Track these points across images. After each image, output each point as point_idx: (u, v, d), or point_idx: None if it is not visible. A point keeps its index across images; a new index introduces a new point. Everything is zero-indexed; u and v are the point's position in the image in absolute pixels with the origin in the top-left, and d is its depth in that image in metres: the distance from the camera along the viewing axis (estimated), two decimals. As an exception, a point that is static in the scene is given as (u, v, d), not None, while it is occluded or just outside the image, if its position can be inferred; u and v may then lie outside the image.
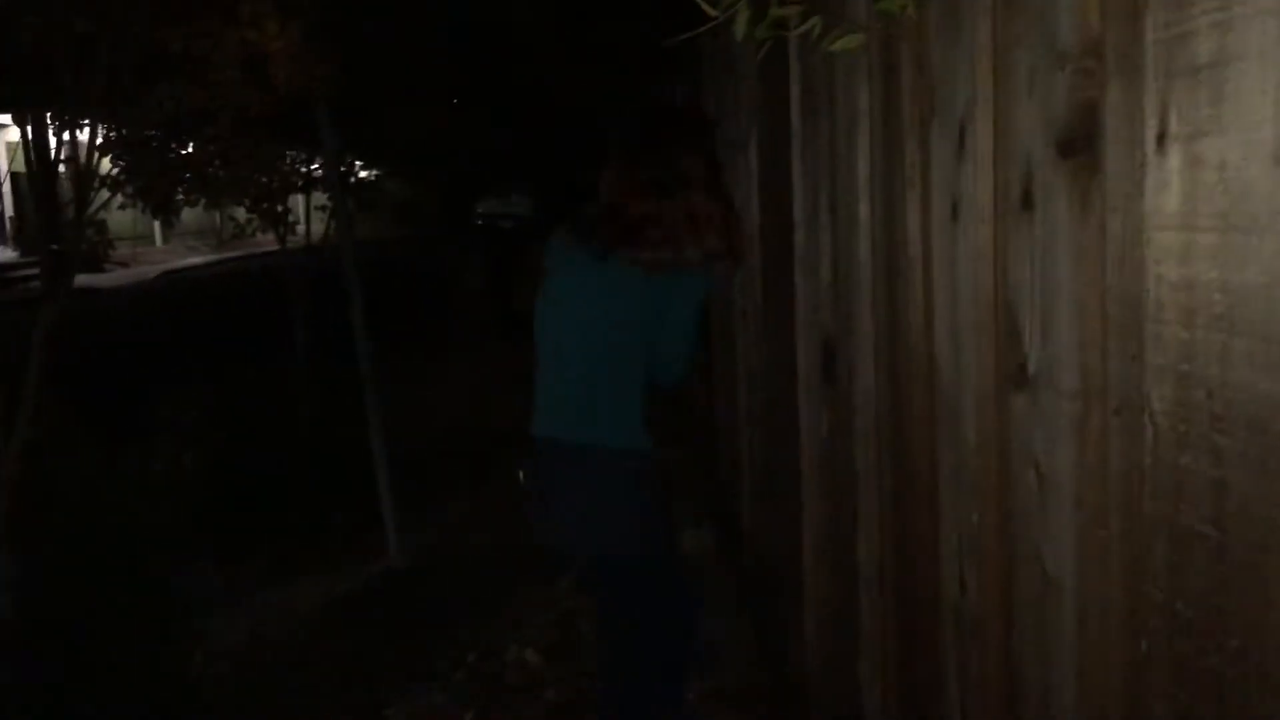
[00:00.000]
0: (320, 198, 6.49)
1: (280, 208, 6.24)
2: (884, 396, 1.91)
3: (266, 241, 7.11)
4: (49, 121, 7.75)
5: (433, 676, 3.52)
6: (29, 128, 13.19)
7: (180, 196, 5.67)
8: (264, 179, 5.70)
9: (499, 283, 12.63)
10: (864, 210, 1.96)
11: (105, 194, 4.95)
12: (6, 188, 18.33)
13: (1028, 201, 1.22)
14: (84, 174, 4.21)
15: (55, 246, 5.43)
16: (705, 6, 1.54)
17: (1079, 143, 1.10)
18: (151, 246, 21.46)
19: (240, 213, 6.55)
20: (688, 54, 4.76)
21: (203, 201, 5.86)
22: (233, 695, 3.51)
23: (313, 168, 6.58)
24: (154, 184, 5.31)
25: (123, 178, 5.33)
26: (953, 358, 1.53)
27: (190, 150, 5.37)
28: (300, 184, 6.68)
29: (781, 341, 2.80)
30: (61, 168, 8.88)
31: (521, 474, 2.35)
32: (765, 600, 3.22)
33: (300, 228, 6.88)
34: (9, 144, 18.94)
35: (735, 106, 3.45)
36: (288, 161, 6.21)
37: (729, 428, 3.83)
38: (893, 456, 1.88)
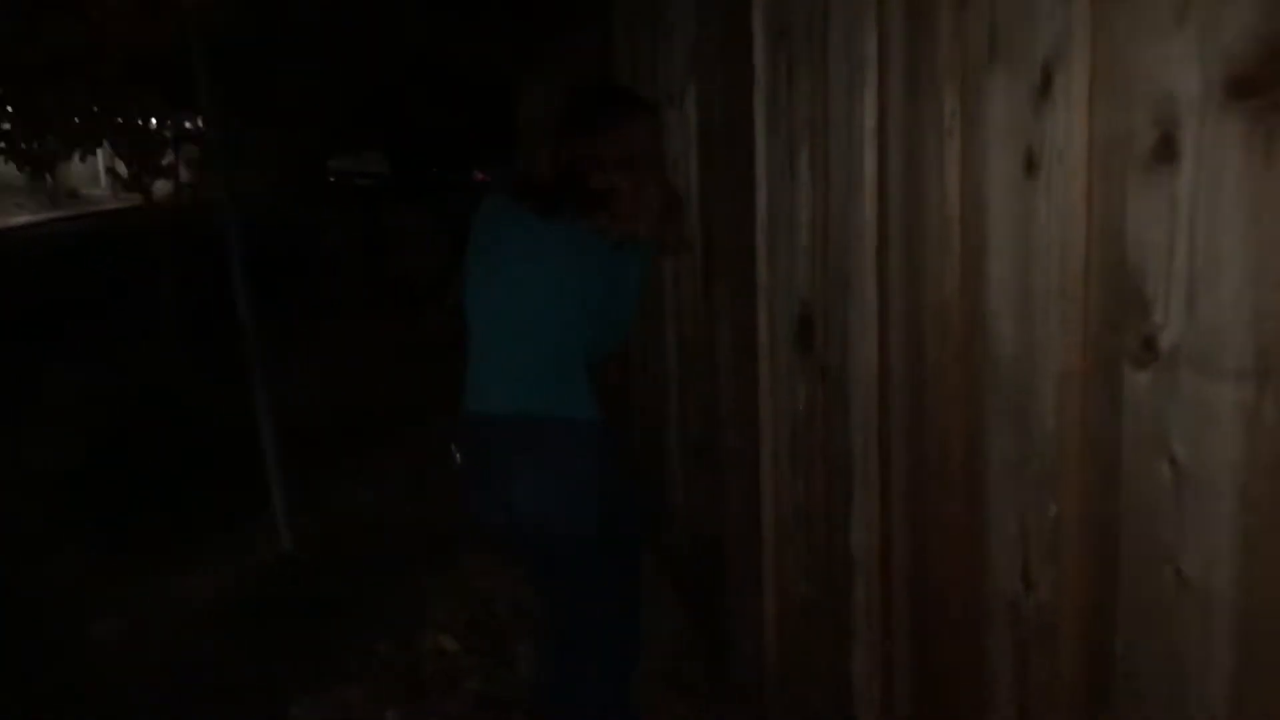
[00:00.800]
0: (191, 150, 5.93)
1: (164, 161, 5.67)
2: (896, 371, 1.73)
3: (101, 200, 6.49)
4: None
5: (342, 670, 3.22)
6: None
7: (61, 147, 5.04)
8: (151, 128, 5.14)
9: (366, 246, 12.05)
10: (869, 165, 1.77)
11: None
12: None
13: (1167, 152, 1.04)
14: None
15: None
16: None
17: (1262, 80, 0.92)
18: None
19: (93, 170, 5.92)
20: (592, 4, 4.48)
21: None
22: (116, 699, 3.13)
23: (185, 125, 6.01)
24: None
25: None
26: (1017, 331, 1.35)
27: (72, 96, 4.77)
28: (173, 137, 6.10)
29: (733, 308, 2.60)
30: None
31: (456, 453, 2.20)
32: (703, 584, 3.04)
33: (160, 184, 6.30)
34: None
35: (664, 58, 3.21)
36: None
37: (652, 398, 3.62)
38: (906, 436, 1.71)
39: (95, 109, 4.76)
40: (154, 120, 5.36)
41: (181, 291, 5.74)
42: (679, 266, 3.14)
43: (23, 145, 5.06)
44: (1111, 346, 1.15)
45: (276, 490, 4.19)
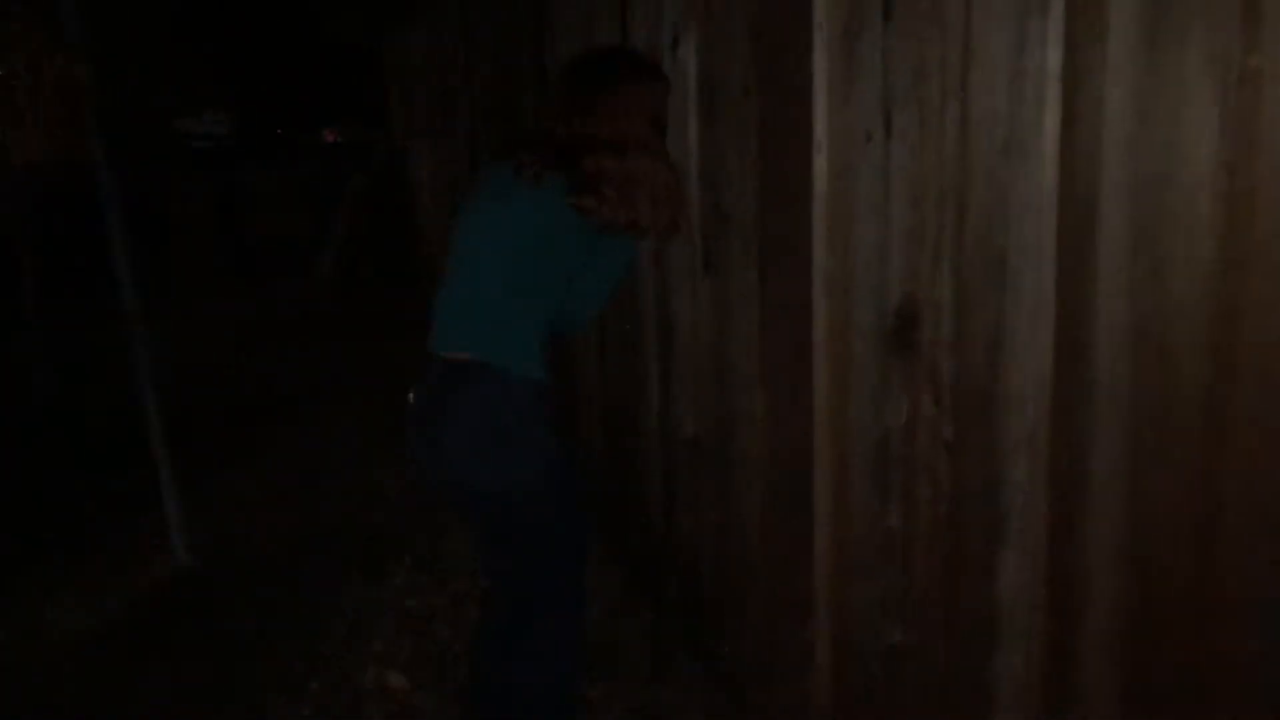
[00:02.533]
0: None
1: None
2: (1093, 385, 1.30)
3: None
4: None
5: (266, 714, 2.62)
6: None
7: None
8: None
9: (219, 211, 10.97)
10: (1049, 119, 1.33)
11: None
12: None
13: None
14: None
15: None
16: None
17: None
18: None
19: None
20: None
21: None
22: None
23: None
24: None
25: None
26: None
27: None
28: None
29: (764, 294, 2.13)
30: None
31: (412, 395, 2.08)
32: (697, 608, 2.59)
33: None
34: None
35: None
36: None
37: (625, 387, 3.11)
38: (1119, 474, 1.29)
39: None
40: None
41: (39, 264, 4.84)
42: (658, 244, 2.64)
43: None
44: None
45: (167, 491, 3.49)
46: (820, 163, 1.87)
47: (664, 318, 2.66)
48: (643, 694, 2.61)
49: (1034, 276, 1.39)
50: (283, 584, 3.36)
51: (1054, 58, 1.32)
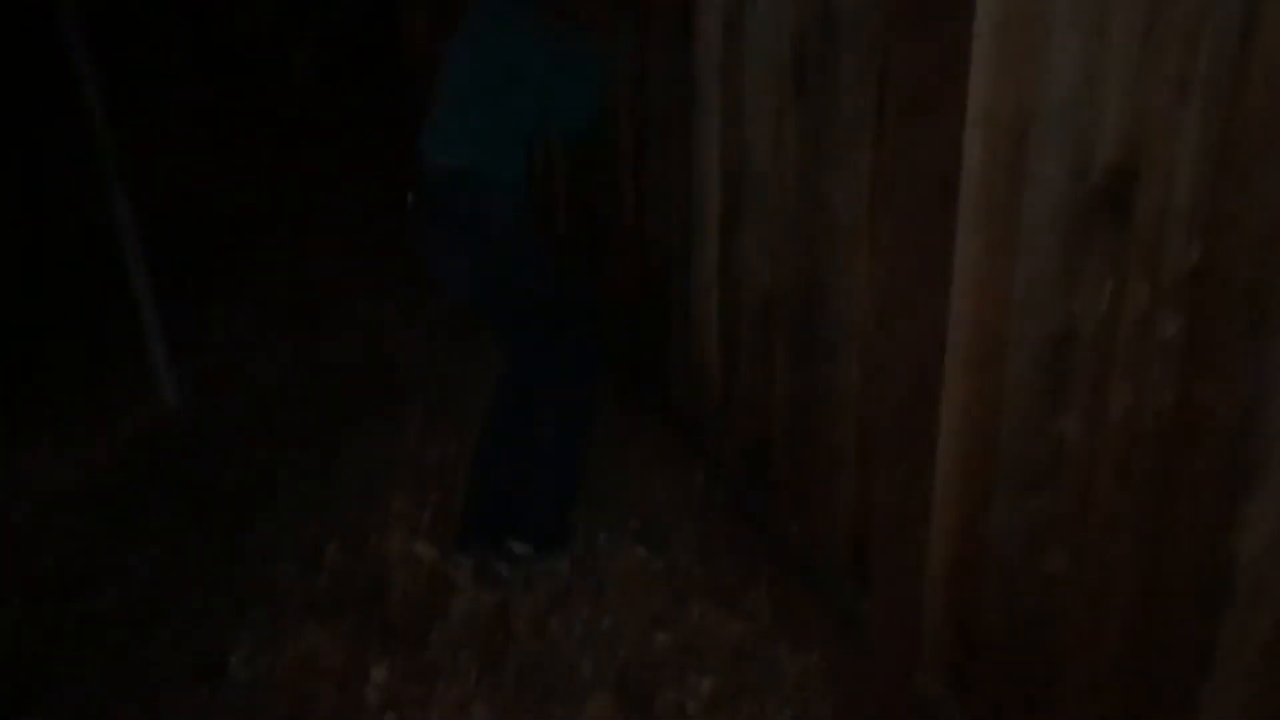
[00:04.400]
0: None
1: None
2: None
3: None
4: None
5: (280, 590, 2.31)
6: None
7: None
8: None
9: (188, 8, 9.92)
10: None
11: None
12: None
13: None
14: None
15: None
16: None
17: None
18: None
19: None
20: None
21: None
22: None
23: None
24: None
25: None
26: None
27: None
28: None
29: (886, 125, 1.67)
30: None
31: (409, 197, 2.23)
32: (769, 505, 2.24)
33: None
34: None
35: None
36: None
37: (656, 231, 2.67)
38: None
39: None
40: None
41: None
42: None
43: None
44: None
45: (150, 324, 3.06)
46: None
47: (732, 146, 2.19)
48: (694, 570, 2.31)
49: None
50: (284, 431, 3.00)
51: None
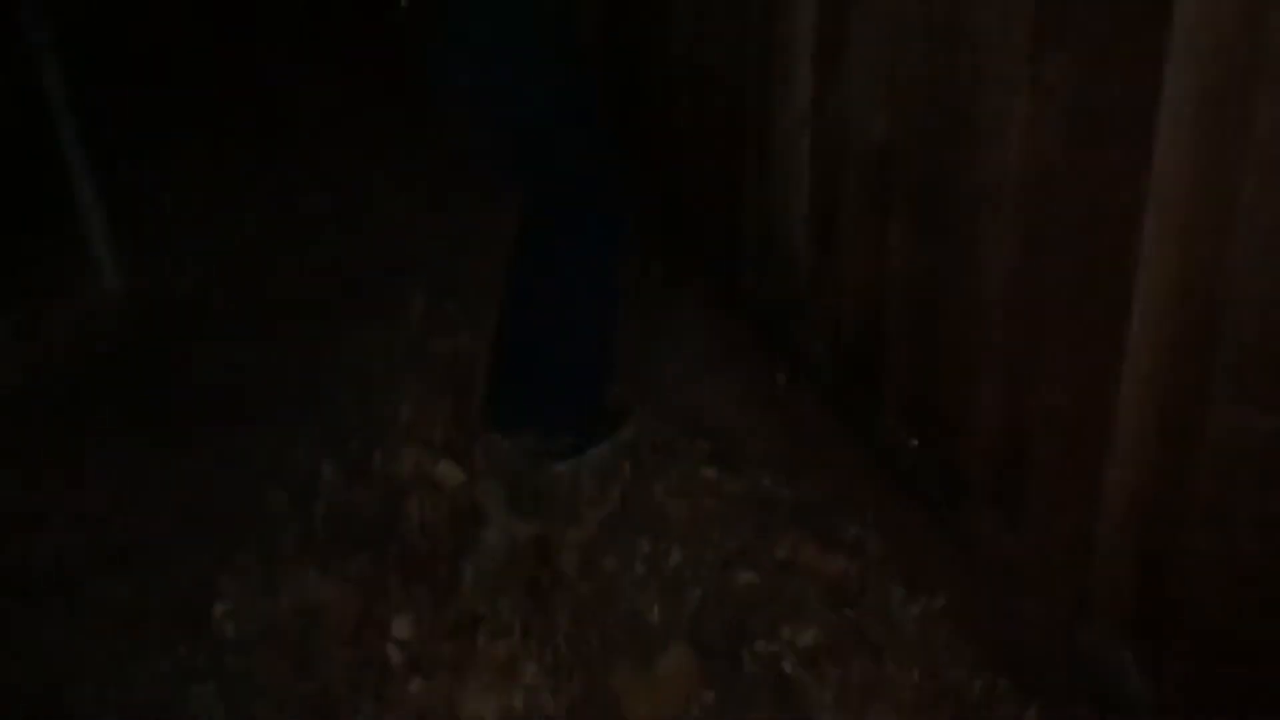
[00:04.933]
0: None
1: None
2: None
3: None
4: None
5: (267, 521, 2.20)
6: None
7: None
8: None
9: None
10: None
11: None
12: None
13: None
14: None
15: None
16: None
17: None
18: None
19: None
20: None
21: None
22: None
23: None
24: None
25: None
26: None
27: None
28: None
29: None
30: None
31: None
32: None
33: None
34: None
35: None
36: None
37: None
38: None
39: None
40: None
41: None
42: None
43: None
44: None
45: (86, 195, 2.89)
46: None
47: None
48: (779, 493, 2.19)
49: None
50: (254, 318, 2.84)
51: None
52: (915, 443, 2.00)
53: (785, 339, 2.39)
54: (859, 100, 1.97)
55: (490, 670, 1.87)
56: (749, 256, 2.51)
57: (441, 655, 1.90)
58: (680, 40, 2.63)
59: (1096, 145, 1.45)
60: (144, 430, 2.48)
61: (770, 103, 2.27)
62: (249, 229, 3.31)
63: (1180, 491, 1.44)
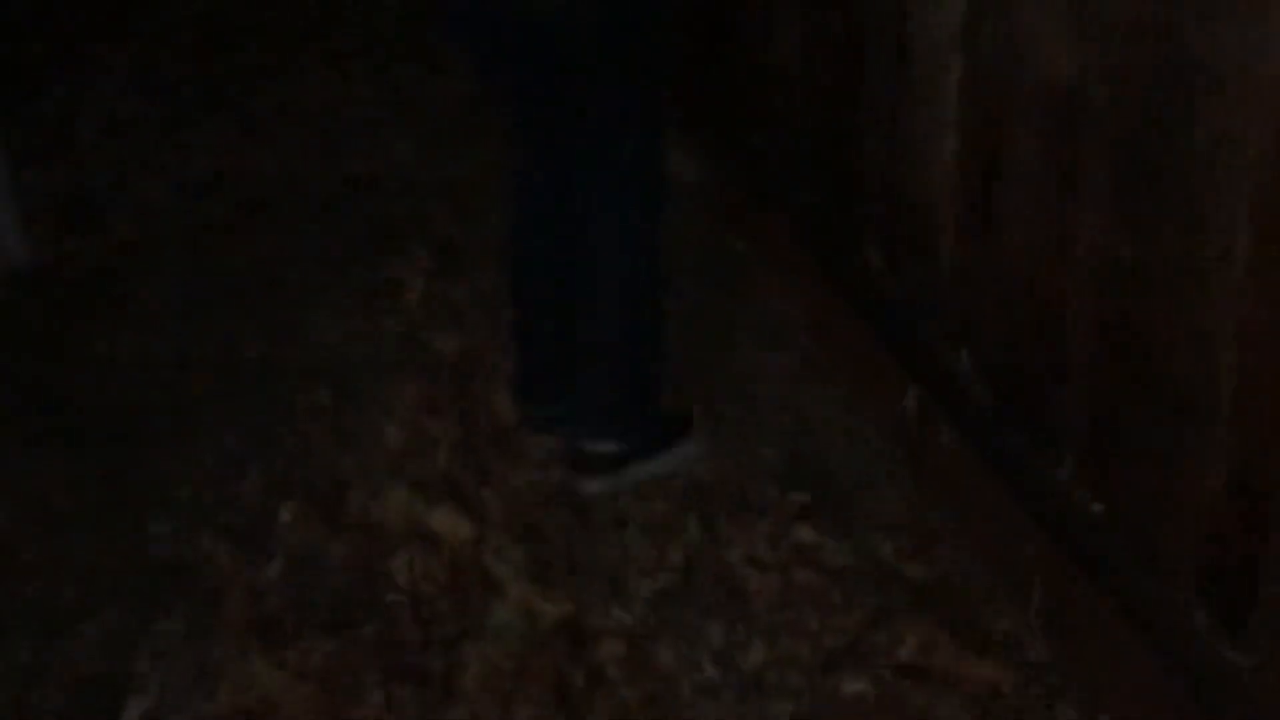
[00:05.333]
0: None
1: None
2: None
3: None
4: None
5: (195, 587, 2.09)
6: None
7: None
8: None
9: None
10: None
11: None
12: None
13: None
14: None
15: None
16: None
17: None
18: None
19: None
20: None
21: None
22: None
23: None
24: None
25: None
26: None
27: None
28: None
29: None
30: None
31: None
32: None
33: None
34: None
35: None
36: None
37: None
38: None
39: None
40: None
41: None
42: None
43: None
44: None
45: None
46: None
47: None
48: (904, 568, 2.06)
49: None
50: (197, 305, 2.76)
51: None
52: (1100, 508, 1.86)
53: (918, 345, 2.27)
54: (1032, 23, 1.83)
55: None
56: (870, 230, 2.39)
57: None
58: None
59: None
60: (38, 443, 2.41)
61: (905, 21, 2.13)
62: (191, 180, 3.20)
63: None
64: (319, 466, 2.34)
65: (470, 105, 3.22)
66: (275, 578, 2.14)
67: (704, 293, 2.59)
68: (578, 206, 2.24)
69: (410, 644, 2.02)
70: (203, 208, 3.12)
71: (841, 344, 2.49)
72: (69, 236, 3.03)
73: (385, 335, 2.67)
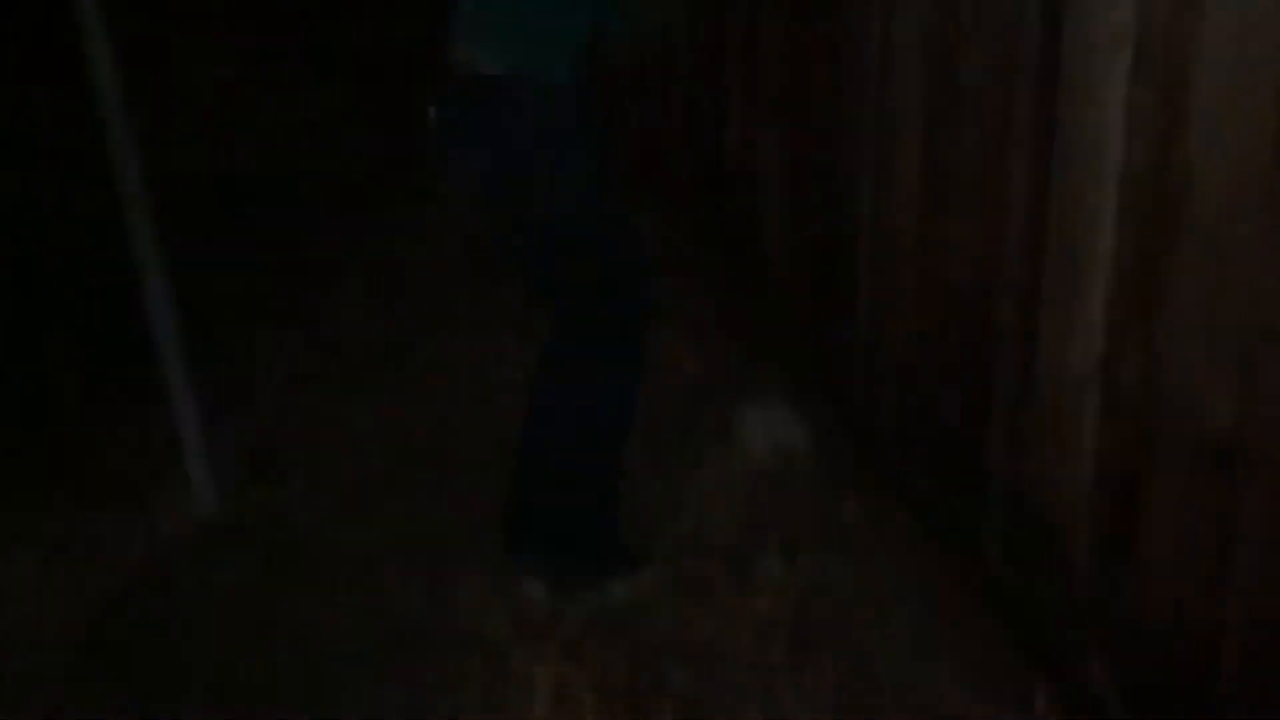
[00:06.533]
0: None
1: None
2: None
3: None
4: None
5: None
6: None
7: None
8: None
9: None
10: None
11: None
12: None
13: None
14: None
15: None
16: None
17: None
18: None
19: None
20: None
21: None
22: None
23: None
24: None
25: None
26: None
27: None
28: None
29: None
30: None
31: (431, 112, 2.23)
32: None
33: None
34: None
35: None
36: None
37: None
38: None
39: None
40: None
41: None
42: None
43: None
44: None
45: (184, 406, 2.64)
46: None
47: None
48: None
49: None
50: (370, 544, 2.52)
51: None
52: None
53: (1045, 643, 1.94)
54: (1182, 363, 1.53)
55: None
56: (990, 528, 2.09)
57: None
58: (907, 233, 2.24)
59: None
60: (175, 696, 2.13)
61: (1034, 354, 1.84)
62: (357, 427, 3.00)
63: None
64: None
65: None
66: None
67: (814, 557, 2.29)
68: (572, 361, 2.30)
69: None
70: (366, 461, 2.88)
71: (960, 624, 2.16)
72: (251, 488, 2.79)
73: (532, 601, 2.36)
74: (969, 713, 2.00)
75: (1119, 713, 1.75)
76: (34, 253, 3.67)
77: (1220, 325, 1.47)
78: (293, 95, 5.16)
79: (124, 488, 2.77)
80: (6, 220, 3.68)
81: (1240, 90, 1.38)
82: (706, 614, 2.27)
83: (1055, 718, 1.88)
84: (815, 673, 2.10)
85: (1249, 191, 1.38)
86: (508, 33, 2.11)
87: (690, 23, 3.26)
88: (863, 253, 2.46)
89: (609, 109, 3.72)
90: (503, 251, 2.48)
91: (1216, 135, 1.43)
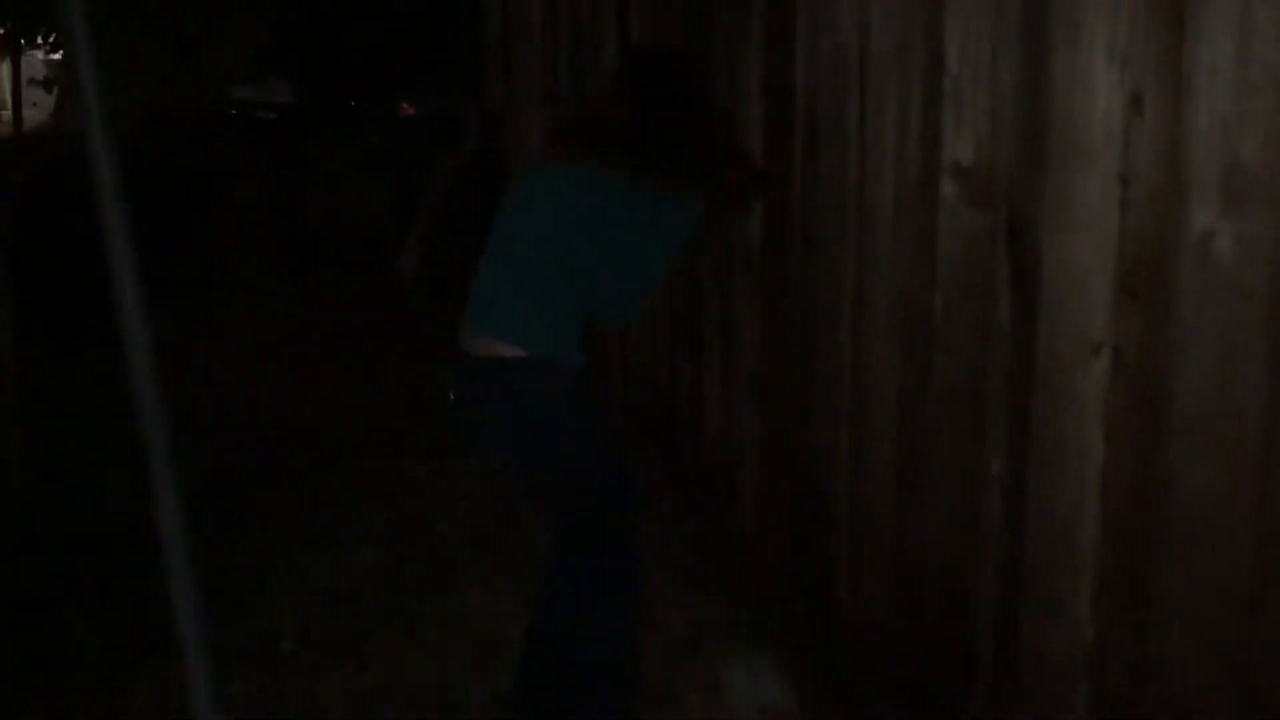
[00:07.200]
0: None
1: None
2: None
3: None
4: None
5: None
6: None
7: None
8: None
9: (281, 193, 9.95)
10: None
11: None
12: None
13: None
14: None
15: None
16: None
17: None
18: None
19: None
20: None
21: None
22: None
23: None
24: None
25: None
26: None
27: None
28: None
29: None
30: None
31: (452, 395, 2.33)
32: None
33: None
34: None
35: None
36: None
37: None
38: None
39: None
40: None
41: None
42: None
43: None
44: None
45: (189, 626, 2.44)
46: None
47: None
48: None
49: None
50: None
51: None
52: None
53: None
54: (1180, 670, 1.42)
55: None
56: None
57: None
58: (883, 511, 2.15)
59: None
60: None
61: (1019, 633, 1.73)
62: (365, 684, 2.82)
63: None
64: None
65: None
66: None
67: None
68: (579, 600, 2.31)
69: None
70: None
71: None
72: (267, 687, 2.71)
73: None
74: None
75: None
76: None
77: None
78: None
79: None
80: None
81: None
82: None
83: None
84: None
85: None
86: (531, 321, 2.19)
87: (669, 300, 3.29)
88: (839, 527, 2.39)
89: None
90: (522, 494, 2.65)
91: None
